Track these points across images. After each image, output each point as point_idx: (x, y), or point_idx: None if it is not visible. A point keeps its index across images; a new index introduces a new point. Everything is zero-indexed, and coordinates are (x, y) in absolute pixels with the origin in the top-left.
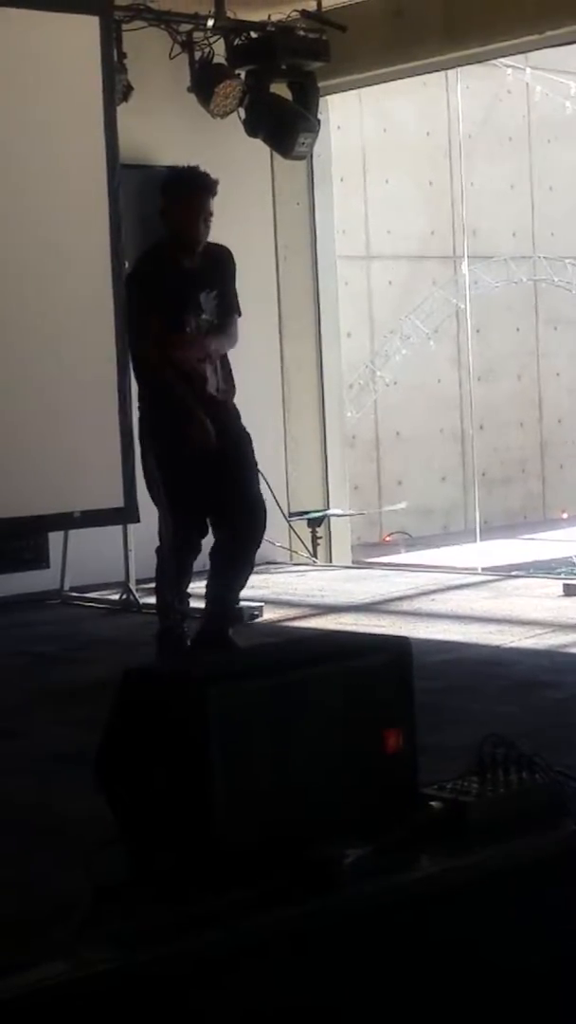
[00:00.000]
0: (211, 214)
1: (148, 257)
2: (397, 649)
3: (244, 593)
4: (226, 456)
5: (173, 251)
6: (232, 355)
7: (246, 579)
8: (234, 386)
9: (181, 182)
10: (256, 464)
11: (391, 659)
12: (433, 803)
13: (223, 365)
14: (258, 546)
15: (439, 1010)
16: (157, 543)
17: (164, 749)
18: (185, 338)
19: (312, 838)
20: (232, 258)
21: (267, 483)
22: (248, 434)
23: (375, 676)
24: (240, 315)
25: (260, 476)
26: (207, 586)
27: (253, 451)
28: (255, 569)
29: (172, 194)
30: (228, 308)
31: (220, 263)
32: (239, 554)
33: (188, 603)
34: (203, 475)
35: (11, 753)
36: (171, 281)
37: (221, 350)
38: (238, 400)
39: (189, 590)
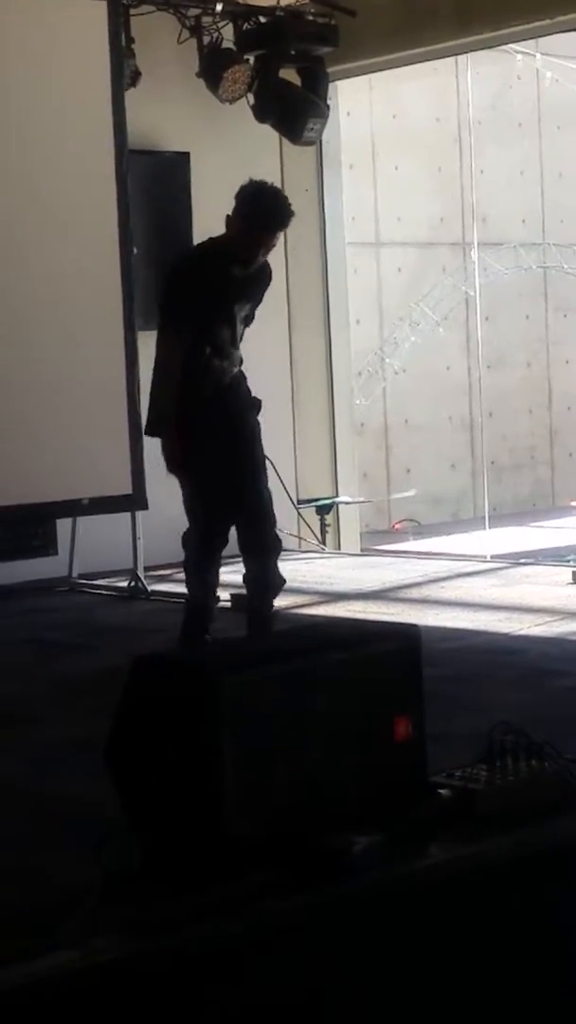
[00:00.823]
0: (272, 247)
1: (202, 260)
2: (406, 637)
3: None
4: (239, 452)
5: (229, 257)
6: (241, 342)
7: (277, 554)
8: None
9: (271, 213)
10: (263, 459)
11: (400, 647)
12: (442, 791)
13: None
14: (273, 529)
15: (448, 999)
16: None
17: (174, 737)
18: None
19: (321, 826)
20: (270, 273)
21: (276, 471)
22: (257, 423)
23: (384, 664)
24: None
25: (269, 463)
26: (245, 569)
27: (260, 442)
28: None
29: (255, 218)
30: (250, 321)
31: (263, 278)
32: (260, 543)
33: (216, 596)
34: (226, 475)
35: (20, 740)
36: (218, 288)
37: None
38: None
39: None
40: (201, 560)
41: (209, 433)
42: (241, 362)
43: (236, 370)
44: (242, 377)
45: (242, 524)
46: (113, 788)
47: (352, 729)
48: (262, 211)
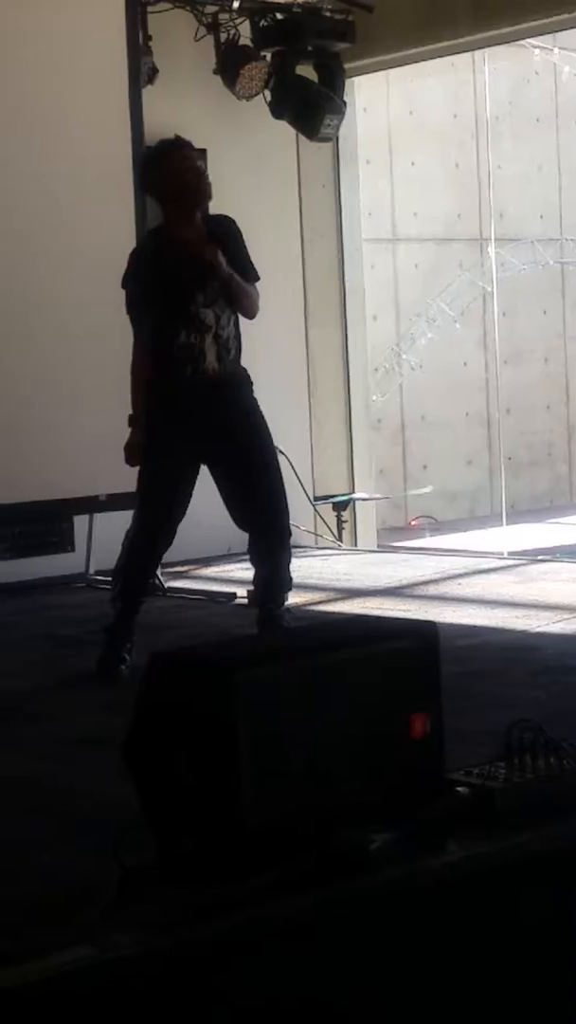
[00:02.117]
0: (202, 170)
1: (139, 251)
2: (424, 633)
3: None
4: (237, 454)
5: (168, 230)
6: (258, 338)
7: (288, 562)
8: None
9: (151, 153)
10: (274, 455)
11: (418, 643)
12: (460, 788)
13: (236, 333)
14: (288, 537)
15: (464, 997)
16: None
17: (190, 733)
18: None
19: (338, 823)
20: (231, 224)
21: (292, 467)
22: (263, 422)
23: (402, 660)
24: (258, 279)
25: (285, 459)
26: (255, 571)
27: (269, 441)
28: None
29: (148, 169)
30: (241, 275)
31: (220, 233)
32: (275, 548)
33: (129, 605)
34: (181, 478)
35: (37, 736)
36: (169, 263)
37: (241, 293)
38: (263, 385)
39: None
40: (125, 565)
41: (177, 432)
42: (236, 339)
43: (231, 355)
44: (242, 380)
45: (254, 520)
46: (131, 784)
47: (369, 725)
48: (148, 159)
